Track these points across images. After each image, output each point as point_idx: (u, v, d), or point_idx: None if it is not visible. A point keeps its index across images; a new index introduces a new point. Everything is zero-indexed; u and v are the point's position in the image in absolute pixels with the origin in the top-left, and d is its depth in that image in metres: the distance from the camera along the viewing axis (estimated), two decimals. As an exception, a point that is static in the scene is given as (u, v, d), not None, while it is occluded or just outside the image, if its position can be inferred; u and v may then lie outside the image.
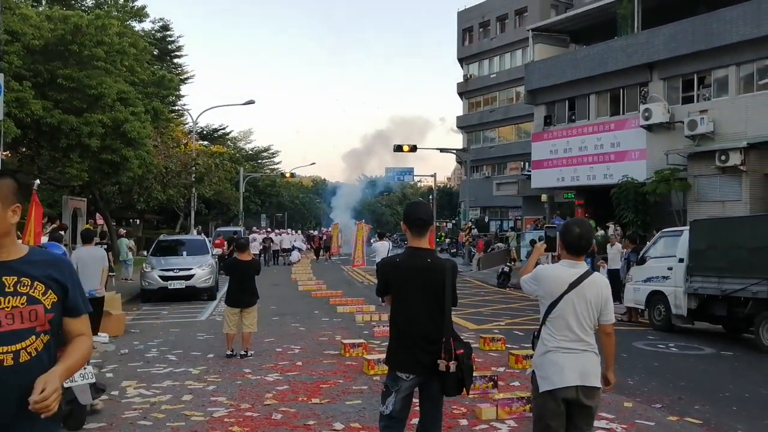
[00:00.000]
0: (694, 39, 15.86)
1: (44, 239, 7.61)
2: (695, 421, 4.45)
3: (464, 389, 2.73)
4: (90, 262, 6.74)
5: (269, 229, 29.44)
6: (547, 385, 2.54)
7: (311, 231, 33.06)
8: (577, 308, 2.57)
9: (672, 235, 9.10)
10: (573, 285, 2.59)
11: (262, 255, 21.30)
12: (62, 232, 9.88)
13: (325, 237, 27.70)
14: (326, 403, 4.60)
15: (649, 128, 16.84)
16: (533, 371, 2.65)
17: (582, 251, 2.67)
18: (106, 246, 12.08)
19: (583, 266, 2.66)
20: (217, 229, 25.17)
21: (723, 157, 14.43)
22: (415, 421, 2.93)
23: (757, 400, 5.15)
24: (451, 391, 2.71)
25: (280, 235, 25.78)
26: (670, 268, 8.69)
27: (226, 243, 17.46)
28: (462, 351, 2.68)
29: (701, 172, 15.30)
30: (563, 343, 2.55)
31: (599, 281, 2.67)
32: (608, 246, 12.21)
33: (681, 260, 8.48)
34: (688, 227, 8.90)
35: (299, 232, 33.20)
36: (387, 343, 2.94)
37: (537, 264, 2.90)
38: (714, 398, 5.16)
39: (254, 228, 29.11)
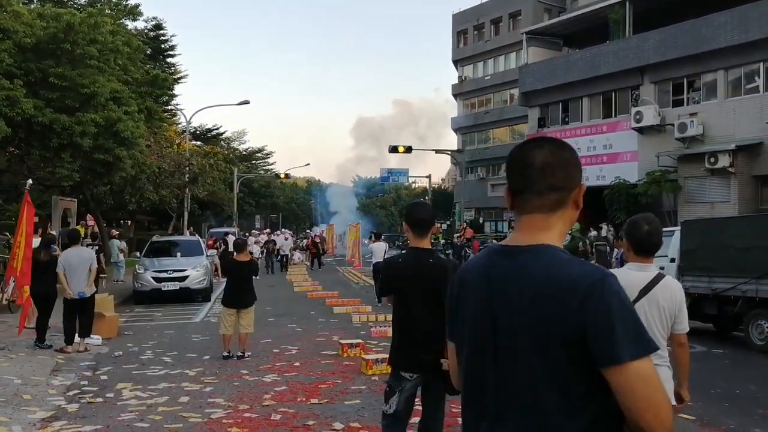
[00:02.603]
0: (684, 44, 16.11)
1: (36, 241, 7.52)
2: (688, 417, 4.52)
3: (466, 388, 2.75)
4: (78, 263, 6.64)
5: (268, 230, 28.39)
6: None
7: (309, 230, 31.95)
8: (650, 317, 2.30)
9: (663, 236, 9.21)
10: (644, 291, 2.32)
11: (266, 260, 19.32)
12: (53, 232, 9.78)
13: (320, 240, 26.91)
14: (325, 403, 4.61)
15: (640, 131, 17.07)
16: None
17: (652, 251, 2.42)
18: (97, 247, 11.95)
19: (653, 269, 2.40)
20: (210, 231, 24.94)
21: (712, 159, 14.67)
22: (416, 420, 2.96)
23: (746, 396, 5.25)
24: (454, 390, 2.73)
25: (279, 237, 22.74)
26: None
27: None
28: (464, 350, 2.72)
29: (691, 173, 15.54)
30: None
31: (672, 285, 2.41)
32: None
33: (672, 260, 8.60)
34: (678, 228, 9.04)
35: (292, 236, 30.62)
36: (385, 343, 2.97)
37: None
38: (706, 395, 5.24)
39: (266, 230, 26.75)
